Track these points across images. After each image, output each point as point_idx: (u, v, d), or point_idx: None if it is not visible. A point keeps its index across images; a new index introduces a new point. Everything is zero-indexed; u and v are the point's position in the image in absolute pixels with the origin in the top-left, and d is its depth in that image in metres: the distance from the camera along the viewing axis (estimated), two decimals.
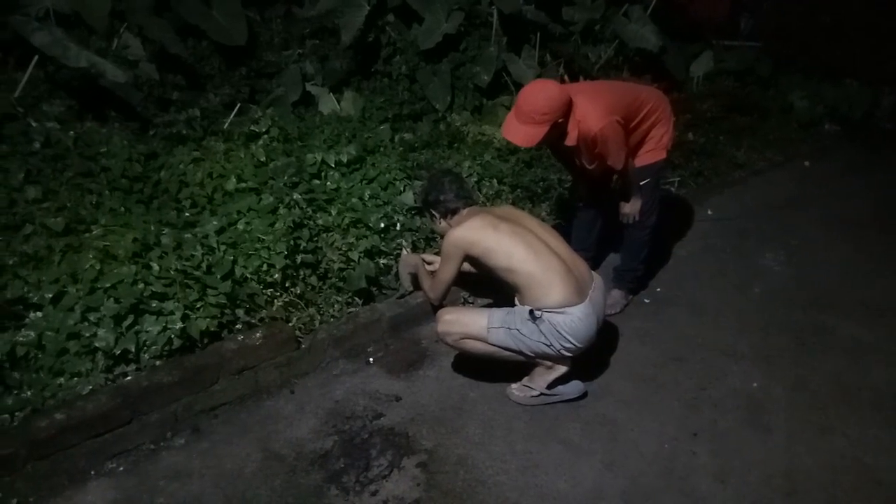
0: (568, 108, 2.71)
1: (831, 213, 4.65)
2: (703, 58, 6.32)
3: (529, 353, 2.50)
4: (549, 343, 2.43)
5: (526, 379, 2.65)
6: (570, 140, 2.80)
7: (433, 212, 2.71)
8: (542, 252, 2.44)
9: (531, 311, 2.41)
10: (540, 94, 2.65)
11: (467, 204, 2.68)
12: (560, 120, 2.69)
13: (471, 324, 2.55)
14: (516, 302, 2.51)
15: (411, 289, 3.12)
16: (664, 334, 3.14)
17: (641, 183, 3.06)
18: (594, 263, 3.40)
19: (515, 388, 2.67)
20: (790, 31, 6.95)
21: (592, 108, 2.73)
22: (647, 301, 3.45)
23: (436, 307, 2.84)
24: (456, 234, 2.52)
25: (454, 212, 2.66)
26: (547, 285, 2.40)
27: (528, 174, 4.06)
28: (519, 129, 2.68)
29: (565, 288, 2.40)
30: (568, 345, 2.43)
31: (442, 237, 2.68)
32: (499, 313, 2.52)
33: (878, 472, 2.36)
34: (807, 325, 3.25)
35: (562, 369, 2.57)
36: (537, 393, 2.61)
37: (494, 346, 2.52)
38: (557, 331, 2.40)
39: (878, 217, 4.62)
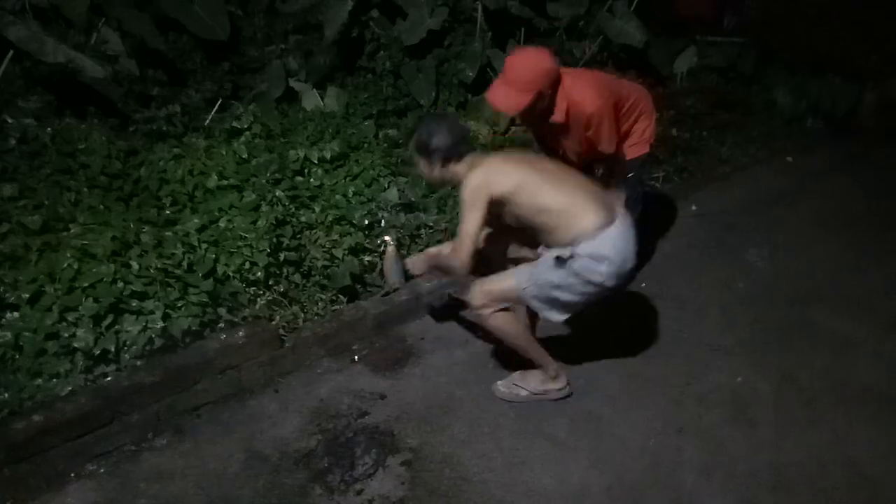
0: (556, 81, 2.62)
1: (815, 208, 4.68)
2: (686, 54, 6.33)
3: (568, 306, 2.37)
4: (587, 280, 2.27)
5: (517, 377, 2.63)
6: (559, 116, 2.70)
7: (430, 158, 2.40)
8: (566, 181, 2.32)
9: (557, 258, 2.26)
10: (527, 61, 2.58)
11: (469, 150, 2.45)
12: (547, 91, 2.60)
13: (505, 290, 2.40)
14: (541, 252, 2.37)
15: (397, 286, 3.10)
16: (649, 329, 3.14)
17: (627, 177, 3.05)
18: None
19: (502, 385, 2.64)
20: (774, 26, 6.97)
21: (587, 88, 2.65)
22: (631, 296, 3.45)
23: (464, 274, 2.48)
24: (477, 176, 2.28)
25: (459, 157, 2.39)
26: (579, 214, 2.25)
27: None
28: (505, 94, 2.58)
29: (596, 211, 2.25)
30: (608, 270, 2.25)
31: (435, 184, 2.55)
32: (522, 271, 2.39)
33: (863, 466, 2.37)
34: (792, 320, 3.26)
35: (562, 382, 2.59)
36: (526, 393, 2.60)
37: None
38: (594, 259, 2.24)
39: (862, 212, 4.65)
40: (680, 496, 2.23)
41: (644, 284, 3.55)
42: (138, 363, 2.41)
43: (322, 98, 4.37)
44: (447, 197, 3.55)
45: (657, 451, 2.41)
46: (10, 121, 3.11)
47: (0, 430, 2.09)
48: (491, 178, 2.28)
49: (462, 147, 2.40)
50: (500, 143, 4.32)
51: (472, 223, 2.29)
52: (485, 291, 2.43)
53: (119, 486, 2.17)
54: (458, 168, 2.39)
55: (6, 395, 2.18)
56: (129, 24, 3.86)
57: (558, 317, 2.44)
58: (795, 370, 2.88)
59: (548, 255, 2.31)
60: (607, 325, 3.13)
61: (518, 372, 2.66)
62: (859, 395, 2.74)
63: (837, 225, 4.40)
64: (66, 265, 2.40)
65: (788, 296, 3.49)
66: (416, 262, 2.76)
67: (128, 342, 2.39)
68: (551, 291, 2.34)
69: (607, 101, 2.68)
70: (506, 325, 2.49)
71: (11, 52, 3.26)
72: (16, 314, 2.30)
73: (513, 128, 4.60)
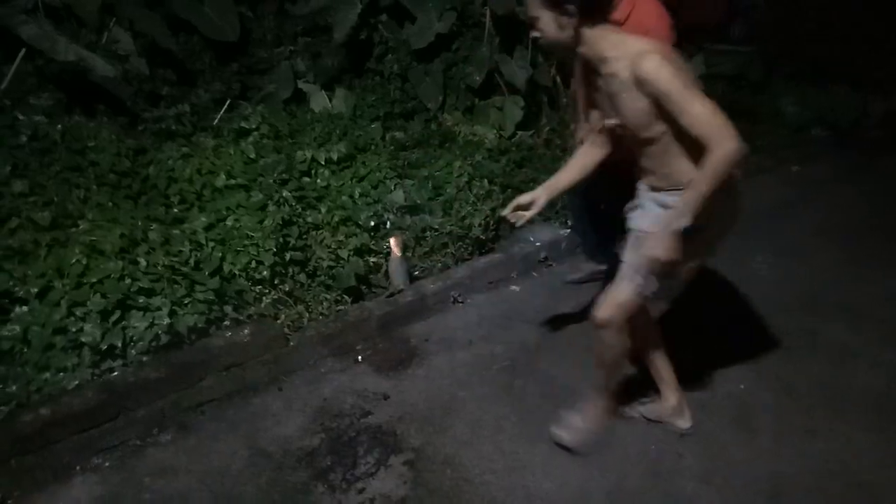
0: None
1: (819, 217, 4.69)
2: (694, 62, 6.34)
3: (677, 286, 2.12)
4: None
5: (574, 419, 2.40)
6: (620, 15, 2.25)
7: (565, 10, 1.87)
8: None
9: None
10: None
11: (609, 14, 1.93)
12: None
13: (625, 294, 2.09)
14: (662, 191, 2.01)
15: (401, 287, 3.12)
16: None
17: None
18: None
19: (562, 431, 2.39)
20: (782, 36, 6.99)
21: (659, 6, 2.46)
22: None
23: (742, 157, 1.84)
24: (662, 56, 1.82)
25: (595, 18, 1.89)
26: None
27: (518, 174, 4.07)
28: None
29: None
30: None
31: (554, 48, 2.01)
32: (629, 271, 2.07)
33: (862, 476, 2.37)
34: (793, 327, 3.26)
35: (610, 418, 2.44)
36: (587, 434, 2.38)
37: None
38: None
39: (865, 222, 4.66)
40: (678, 502, 2.23)
41: None
42: (144, 359, 2.44)
43: (330, 100, 4.40)
44: (453, 200, 3.57)
45: (657, 457, 2.42)
46: (21, 118, 3.14)
47: (8, 423, 2.12)
48: (676, 61, 1.86)
49: (608, 4, 1.92)
50: (507, 147, 4.34)
51: (704, 98, 1.81)
52: (611, 304, 2.15)
53: (124, 480, 2.19)
54: (591, 33, 1.90)
55: (14, 387, 2.21)
56: (141, 23, 3.90)
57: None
58: (796, 378, 2.88)
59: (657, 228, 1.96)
60: None
61: (571, 413, 2.45)
62: (859, 404, 2.73)
63: (840, 234, 4.41)
64: (74, 261, 2.43)
65: (790, 304, 3.49)
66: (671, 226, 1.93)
67: (134, 338, 2.42)
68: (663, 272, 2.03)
69: (672, 30, 2.45)
70: (620, 349, 2.24)
71: (24, 50, 3.30)
72: (25, 308, 2.33)
73: (519, 133, 4.63)
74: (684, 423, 2.52)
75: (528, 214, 2.36)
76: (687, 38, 6.51)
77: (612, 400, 2.44)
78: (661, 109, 1.84)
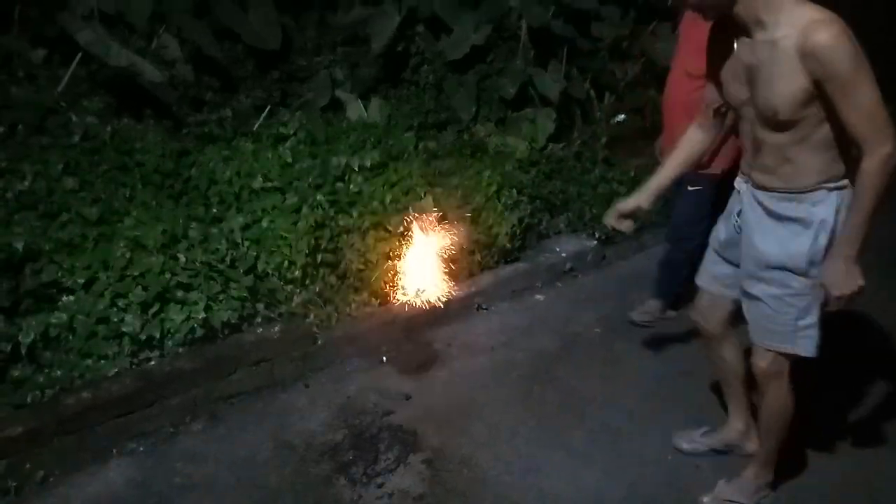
0: None
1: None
2: None
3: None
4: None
5: (727, 489, 2.23)
6: None
7: None
8: None
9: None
10: None
11: None
12: None
13: (782, 336, 1.89)
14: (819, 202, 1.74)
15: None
16: (674, 347, 3.14)
17: (690, 188, 2.91)
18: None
19: (712, 502, 2.23)
20: (870, 45, 6.81)
21: None
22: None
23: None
24: (842, 26, 1.56)
25: None
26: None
27: (547, 186, 4.12)
28: None
29: None
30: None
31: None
32: (785, 311, 1.85)
33: (890, 494, 2.34)
34: (843, 348, 3.19)
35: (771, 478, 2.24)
36: None
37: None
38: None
39: None
40: None
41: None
42: (180, 350, 2.56)
43: (365, 108, 4.50)
44: (481, 209, 3.63)
45: (675, 467, 2.43)
46: (74, 119, 3.30)
47: (52, 405, 2.25)
48: (852, 35, 1.55)
49: None
50: (537, 158, 4.39)
51: (872, 86, 1.55)
52: (775, 352, 1.95)
53: (156, 464, 2.31)
54: None
55: (59, 372, 2.34)
56: (188, 31, 4.06)
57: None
58: (822, 392, 2.84)
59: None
60: (632, 343, 3.16)
61: (722, 482, 2.26)
62: (888, 419, 2.68)
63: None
64: (118, 254, 2.56)
65: (843, 321, 3.40)
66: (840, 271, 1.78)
67: (171, 330, 2.54)
68: (815, 301, 1.84)
69: None
70: (788, 403, 2.05)
71: (80, 54, 3.47)
72: (71, 297, 2.47)
73: (550, 145, 4.67)
74: (752, 445, 2.36)
75: (633, 223, 2.18)
76: None
77: (774, 469, 2.22)
78: (820, 91, 1.57)
